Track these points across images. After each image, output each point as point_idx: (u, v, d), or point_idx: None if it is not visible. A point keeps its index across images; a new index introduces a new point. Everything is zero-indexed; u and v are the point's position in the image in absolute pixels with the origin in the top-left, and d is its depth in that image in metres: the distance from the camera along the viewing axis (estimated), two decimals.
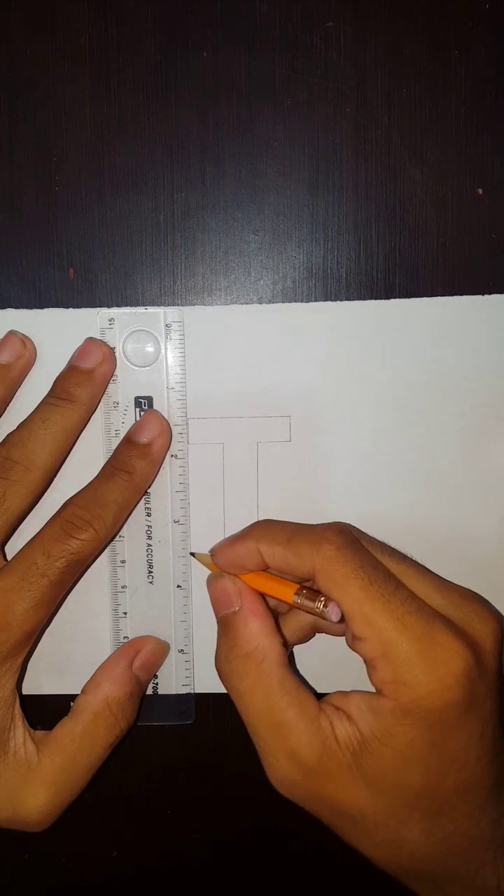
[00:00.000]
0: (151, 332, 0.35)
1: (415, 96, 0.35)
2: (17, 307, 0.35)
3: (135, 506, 0.35)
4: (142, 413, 0.35)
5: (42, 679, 0.37)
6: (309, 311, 0.35)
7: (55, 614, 0.36)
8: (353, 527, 0.32)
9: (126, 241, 0.35)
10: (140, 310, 0.35)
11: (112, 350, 0.35)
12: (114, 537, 0.35)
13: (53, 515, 0.33)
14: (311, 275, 0.35)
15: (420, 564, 0.31)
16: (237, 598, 0.31)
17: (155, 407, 0.35)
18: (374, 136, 0.35)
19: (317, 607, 0.29)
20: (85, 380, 0.34)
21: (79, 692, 0.34)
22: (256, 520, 0.34)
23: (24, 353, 0.35)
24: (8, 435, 0.33)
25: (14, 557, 0.32)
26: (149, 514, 0.36)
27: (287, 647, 0.32)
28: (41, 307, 0.35)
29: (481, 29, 0.34)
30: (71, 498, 0.33)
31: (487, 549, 0.36)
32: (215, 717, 0.37)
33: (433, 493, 0.36)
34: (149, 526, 0.36)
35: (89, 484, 0.33)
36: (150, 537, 0.36)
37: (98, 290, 0.35)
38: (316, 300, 0.35)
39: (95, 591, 0.36)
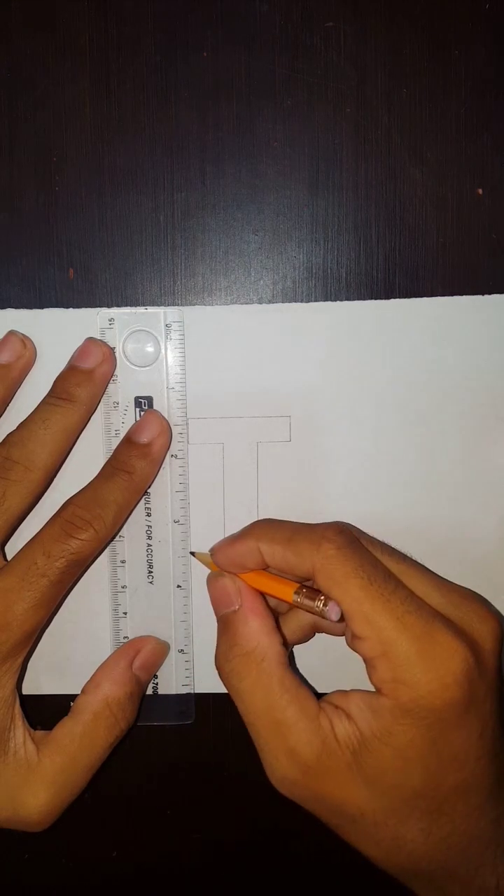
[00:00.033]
0: (151, 332, 0.35)
1: (415, 96, 0.35)
2: (17, 307, 0.35)
3: (135, 506, 0.35)
4: (142, 413, 0.35)
5: (42, 679, 0.37)
6: (309, 311, 0.35)
7: (55, 614, 0.36)
8: (353, 526, 0.32)
9: (126, 241, 0.35)
10: (140, 310, 0.35)
11: (112, 350, 0.35)
12: (114, 537, 0.35)
13: (53, 515, 0.33)
14: (311, 275, 0.36)
15: (420, 564, 0.31)
16: (237, 597, 0.31)
17: (155, 407, 0.35)
18: (374, 136, 0.35)
19: (316, 606, 0.30)
20: (85, 380, 0.34)
21: (79, 692, 0.34)
22: (256, 520, 0.34)
23: (24, 353, 0.35)
24: (8, 435, 0.34)
25: (14, 557, 0.32)
26: (149, 514, 0.36)
27: (287, 647, 0.32)
28: (41, 307, 0.35)
29: (481, 29, 0.35)
30: (71, 498, 0.33)
31: (487, 549, 0.36)
32: (215, 717, 0.38)
33: (433, 493, 0.36)
34: (149, 526, 0.36)
35: (89, 484, 0.34)
36: (150, 537, 0.36)
37: (98, 290, 0.36)
38: (316, 300, 0.36)
39: (95, 591, 0.36)
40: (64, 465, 0.35)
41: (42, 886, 0.39)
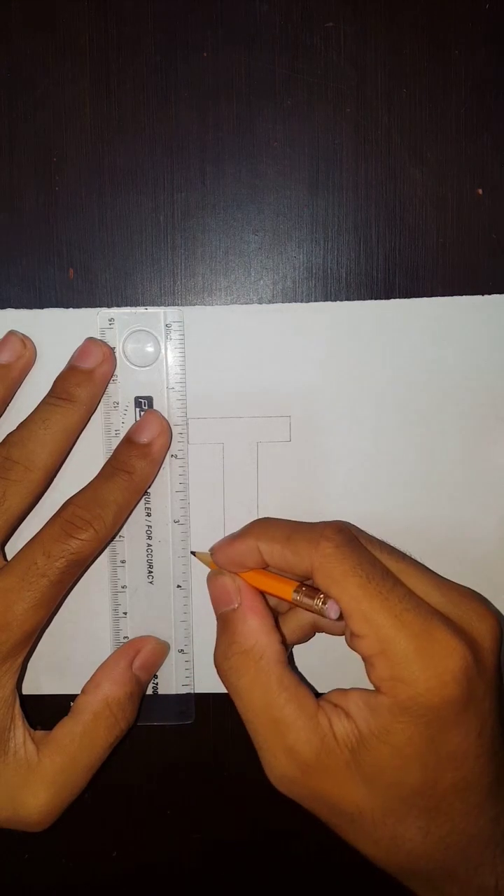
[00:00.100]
0: (151, 332, 0.35)
1: (415, 96, 0.35)
2: (17, 307, 0.36)
3: (135, 506, 0.35)
4: (142, 413, 0.35)
5: (42, 679, 0.37)
6: (309, 311, 0.36)
7: (55, 614, 0.36)
8: (353, 525, 0.32)
9: (126, 241, 0.36)
10: (140, 310, 0.36)
11: (112, 350, 0.35)
12: (114, 537, 0.36)
13: (53, 515, 0.33)
14: (311, 275, 0.36)
15: (419, 563, 0.31)
16: (236, 596, 0.32)
17: (155, 407, 0.36)
18: (374, 136, 0.35)
19: (316, 604, 0.30)
20: (85, 380, 0.34)
21: (79, 692, 0.34)
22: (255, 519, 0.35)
23: (24, 353, 0.35)
24: (8, 435, 0.34)
25: (14, 557, 0.33)
26: (149, 514, 0.36)
27: (287, 647, 0.33)
28: (41, 307, 0.36)
29: (481, 29, 0.35)
30: (71, 498, 0.33)
31: (487, 549, 0.37)
32: (215, 717, 0.38)
33: (433, 493, 0.36)
34: (149, 526, 0.36)
35: (89, 484, 0.34)
36: (150, 537, 0.36)
37: (98, 290, 0.36)
38: (316, 300, 0.36)
39: (95, 591, 0.37)
40: (64, 465, 0.35)
41: (42, 886, 0.40)
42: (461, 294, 0.36)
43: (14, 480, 0.33)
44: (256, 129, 0.35)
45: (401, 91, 0.35)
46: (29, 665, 0.37)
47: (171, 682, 0.37)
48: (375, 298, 0.36)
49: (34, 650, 0.36)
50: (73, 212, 0.36)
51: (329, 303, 0.36)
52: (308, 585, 0.31)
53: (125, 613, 0.37)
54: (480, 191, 0.36)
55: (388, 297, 0.36)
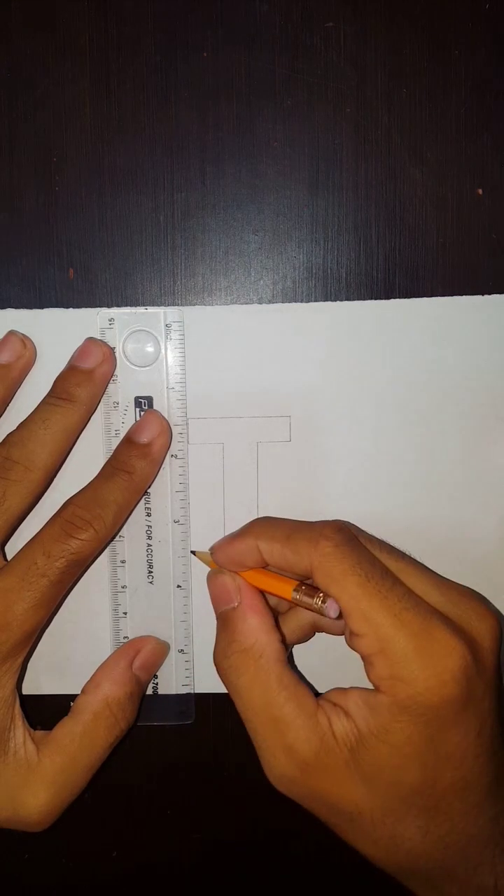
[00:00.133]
0: (151, 332, 0.36)
1: (415, 96, 0.35)
2: (17, 307, 0.36)
3: (135, 506, 0.35)
4: (142, 413, 0.36)
5: (42, 679, 0.37)
6: (309, 311, 0.36)
7: (55, 614, 0.36)
8: (352, 524, 0.33)
9: (126, 241, 0.36)
10: (140, 310, 0.36)
11: (112, 350, 0.35)
12: (114, 537, 0.36)
13: (53, 515, 0.33)
14: (311, 275, 0.36)
15: (418, 562, 0.32)
16: (236, 595, 0.32)
17: (155, 407, 0.36)
18: (374, 136, 0.36)
19: (315, 603, 0.30)
20: (85, 380, 0.34)
21: (79, 692, 0.35)
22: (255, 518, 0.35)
23: (24, 353, 0.35)
24: (8, 435, 0.34)
25: (14, 557, 0.33)
26: (149, 514, 0.36)
27: (287, 646, 0.33)
28: (41, 307, 0.36)
29: (481, 29, 0.35)
30: (71, 498, 0.34)
31: (487, 549, 0.37)
32: (215, 717, 0.38)
33: (433, 493, 0.36)
34: (149, 526, 0.36)
35: (89, 484, 0.34)
36: (150, 537, 0.36)
37: (98, 290, 0.36)
38: (316, 300, 0.36)
39: (95, 591, 0.37)
40: (64, 465, 0.35)
41: (42, 886, 0.40)
42: (461, 294, 0.36)
43: (14, 480, 0.33)
44: (256, 129, 0.36)
45: (401, 91, 0.35)
46: (29, 665, 0.37)
47: (171, 682, 0.37)
48: (375, 298, 0.36)
49: (34, 650, 0.37)
50: (73, 212, 0.36)
51: (329, 303, 0.36)
52: (308, 584, 0.31)
53: (125, 613, 0.37)
54: (480, 191, 0.36)
55: (388, 297, 0.36)
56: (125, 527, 0.36)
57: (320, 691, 0.32)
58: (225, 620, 0.32)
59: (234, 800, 0.39)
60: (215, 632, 0.33)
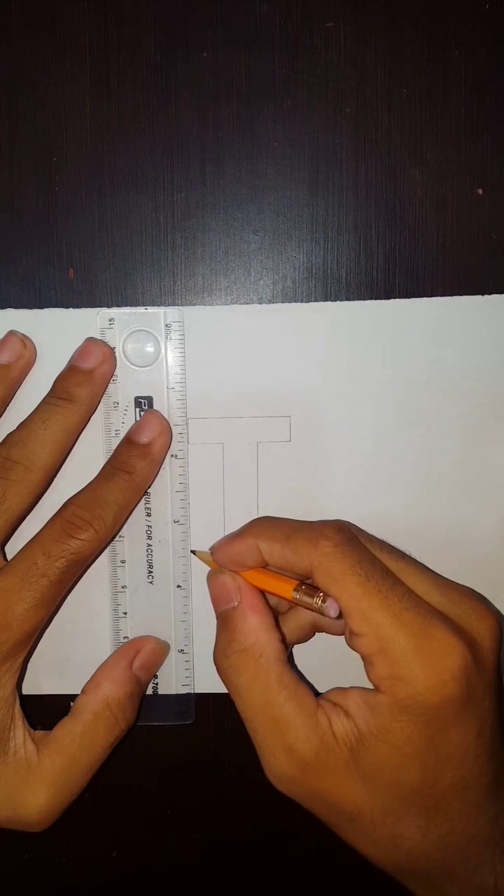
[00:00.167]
0: (151, 332, 0.36)
1: (415, 96, 0.35)
2: (17, 307, 0.36)
3: (135, 506, 0.35)
4: (142, 413, 0.36)
5: (42, 679, 0.37)
6: (309, 311, 0.36)
7: (55, 614, 0.37)
8: (352, 524, 0.33)
9: (126, 241, 0.36)
10: (140, 310, 0.36)
11: (112, 350, 0.35)
12: (114, 537, 0.36)
13: (53, 515, 0.33)
14: (311, 275, 0.36)
15: (418, 562, 0.32)
16: (236, 594, 0.32)
17: (155, 407, 0.36)
18: (374, 136, 0.36)
19: (315, 603, 0.30)
20: (85, 380, 0.35)
21: (79, 692, 0.35)
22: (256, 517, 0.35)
23: (24, 353, 0.35)
24: (8, 435, 0.34)
25: (14, 557, 0.33)
26: (149, 514, 0.36)
27: (287, 646, 0.33)
28: (41, 307, 0.36)
29: (481, 29, 0.35)
30: (71, 498, 0.34)
31: (487, 549, 0.37)
32: (215, 717, 0.38)
33: (433, 493, 0.37)
34: (149, 526, 0.36)
35: (89, 484, 0.34)
36: (150, 537, 0.37)
37: (98, 290, 0.36)
38: (316, 300, 0.36)
39: (95, 591, 0.37)
40: (64, 465, 0.35)
41: (42, 886, 0.40)
42: (461, 294, 0.36)
43: (14, 480, 0.33)
44: (256, 129, 0.36)
45: (401, 91, 0.36)
46: (29, 665, 0.37)
47: (171, 682, 0.38)
48: (375, 298, 0.36)
49: (34, 650, 0.37)
50: (73, 212, 0.36)
51: (329, 303, 0.36)
52: (308, 584, 0.31)
53: (125, 613, 0.37)
54: (480, 191, 0.36)
55: (388, 297, 0.36)
56: (125, 527, 0.36)
57: (320, 691, 0.32)
58: (225, 620, 0.32)
59: (234, 800, 0.39)
60: (215, 631, 0.33)
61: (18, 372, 0.35)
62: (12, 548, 0.34)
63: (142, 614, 0.37)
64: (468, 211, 0.36)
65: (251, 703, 0.30)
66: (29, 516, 0.35)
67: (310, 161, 0.36)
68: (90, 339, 0.35)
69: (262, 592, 0.33)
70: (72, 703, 0.34)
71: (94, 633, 0.37)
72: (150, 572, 0.37)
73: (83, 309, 0.36)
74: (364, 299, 0.36)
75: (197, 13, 0.35)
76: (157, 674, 0.37)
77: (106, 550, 0.37)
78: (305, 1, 0.35)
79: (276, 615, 0.33)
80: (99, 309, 0.36)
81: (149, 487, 0.36)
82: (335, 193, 0.36)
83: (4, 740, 0.33)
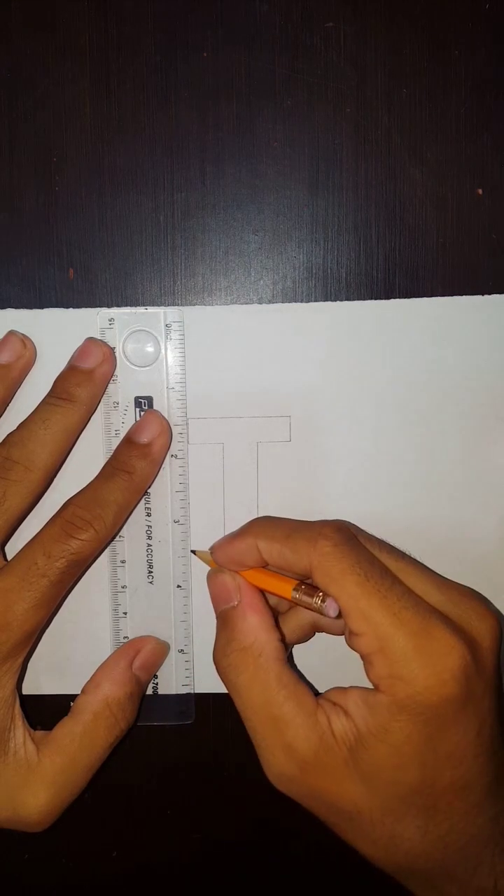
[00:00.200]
0: (151, 332, 0.36)
1: (415, 96, 0.36)
2: (17, 307, 0.36)
3: (135, 506, 0.36)
4: (142, 413, 0.36)
5: (42, 679, 0.38)
6: (309, 311, 0.36)
7: (55, 614, 0.37)
8: (352, 524, 0.33)
9: (126, 241, 0.36)
10: (140, 310, 0.36)
11: (112, 350, 0.35)
12: (114, 537, 0.36)
13: (54, 515, 0.34)
14: (311, 275, 0.36)
15: (418, 562, 0.32)
16: (236, 593, 0.32)
17: (155, 407, 0.36)
18: (374, 136, 0.36)
19: (315, 603, 0.30)
20: (85, 380, 0.35)
21: (79, 692, 0.35)
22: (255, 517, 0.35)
23: (24, 353, 0.35)
24: (8, 435, 0.34)
25: (14, 557, 0.33)
26: (149, 514, 0.36)
27: (287, 646, 0.33)
28: (41, 307, 0.36)
29: (481, 29, 0.35)
30: (71, 498, 0.34)
31: (487, 549, 0.37)
32: (215, 717, 0.38)
33: (433, 493, 0.37)
34: (149, 526, 0.37)
35: (89, 484, 0.34)
36: (150, 537, 0.37)
37: (98, 290, 0.36)
38: (316, 300, 0.36)
39: (95, 591, 0.37)
40: (64, 465, 0.36)
41: (42, 886, 0.40)
42: (461, 294, 0.36)
43: (14, 480, 0.33)
44: (256, 129, 0.36)
45: (401, 91, 0.36)
46: (29, 665, 0.37)
47: (171, 682, 0.38)
48: (375, 298, 0.36)
49: (34, 650, 0.37)
50: (73, 212, 0.36)
51: (329, 303, 0.36)
52: (307, 584, 0.31)
53: (125, 613, 0.37)
54: (480, 191, 0.36)
55: (388, 297, 0.36)
56: (125, 527, 0.36)
57: (320, 691, 0.32)
58: (224, 619, 0.32)
59: (234, 800, 0.39)
60: (215, 631, 0.33)
61: (18, 372, 0.35)
62: (12, 548, 0.34)
63: (142, 614, 0.37)
64: (468, 211, 0.36)
65: (250, 702, 0.31)
66: (29, 516, 0.35)
67: (310, 161, 0.36)
68: (90, 339, 0.35)
69: (262, 592, 0.33)
70: (72, 703, 0.34)
71: (94, 633, 0.37)
72: (150, 572, 0.37)
73: (83, 309, 0.36)
74: (364, 299, 0.36)
75: (197, 13, 0.36)
76: (157, 674, 0.37)
77: (106, 550, 0.37)
78: (305, 1, 0.35)
79: (276, 615, 0.34)
80: (99, 309, 0.36)
81: (149, 487, 0.36)
82: (335, 193, 0.36)
83: (4, 740, 0.33)
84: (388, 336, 0.36)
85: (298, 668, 0.37)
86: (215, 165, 0.36)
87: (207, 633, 0.35)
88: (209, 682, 0.38)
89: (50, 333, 0.36)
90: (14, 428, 0.34)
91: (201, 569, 0.36)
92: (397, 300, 0.36)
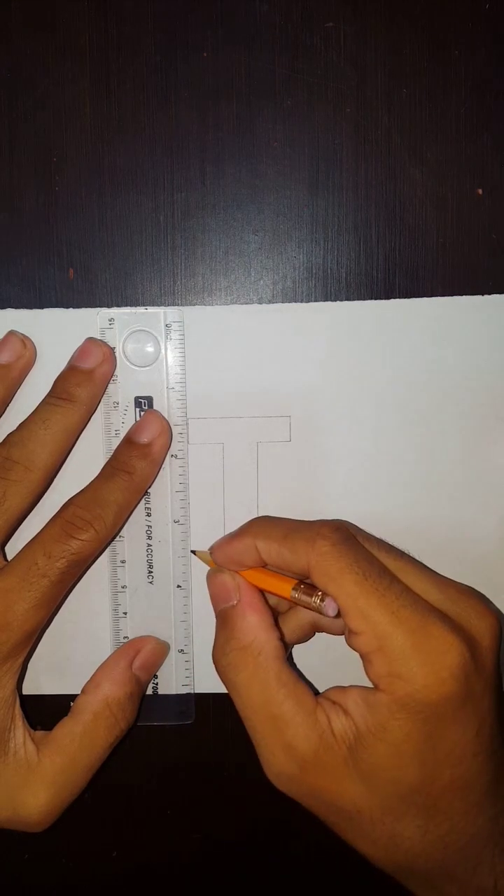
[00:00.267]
0: (151, 332, 0.36)
1: (415, 96, 0.36)
2: (17, 307, 0.36)
3: (135, 506, 0.36)
4: (142, 413, 0.36)
5: (42, 679, 0.38)
6: (309, 311, 0.36)
7: (55, 614, 0.37)
8: (350, 524, 0.33)
9: (126, 241, 0.36)
10: (140, 310, 0.36)
11: (112, 350, 0.36)
12: (114, 537, 0.36)
13: (54, 516, 0.34)
14: (311, 275, 0.36)
15: (417, 561, 0.32)
16: (235, 593, 0.32)
17: (155, 407, 0.36)
18: (374, 136, 0.36)
19: (314, 602, 0.30)
20: (85, 380, 0.35)
21: (79, 692, 0.35)
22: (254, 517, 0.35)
23: (24, 353, 0.36)
24: (8, 435, 0.34)
25: (15, 558, 0.33)
26: (149, 514, 0.37)
27: (287, 646, 0.33)
28: (41, 307, 0.36)
29: (481, 29, 0.36)
30: (71, 498, 0.34)
31: (487, 548, 0.37)
32: (215, 717, 0.39)
33: (433, 493, 0.37)
34: (149, 526, 0.37)
35: (90, 484, 0.35)
36: (150, 537, 0.37)
37: (98, 290, 0.37)
38: (316, 300, 0.36)
39: (95, 591, 0.37)
40: (64, 465, 0.36)
41: (42, 886, 0.40)
42: (461, 294, 0.36)
43: (14, 480, 0.33)
44: (256, 129, 0.36)
45: (401, 91, 0.36)
46: (29, 665, 0.37)
47: (171, 682, 0.38)
48: (375, 298, 0.36)
49: (34, 650, 0.37)
50: (73, 212, 0.36)
51: (329, 303, 0.36)
52: (307, 583, 0.31)
53: (125, 613, 0.37)
54: (480, 191, 0.36)
55: (388, 297, 0.36)
56: (125, 527, 0.37)
57: (320, 691, 0.32)
58: (224, 618, 0.32)
59: (234, 800, 0.39)
60: (215, 631, 0.33)
61: (18, 372, 0.36)
62: (12, 548, 0.34)
63: (142, 614, 0.37)
64: (468, 211, 0.36)
65: (250, 702, 0.31)
66: (29, 516, 0.36)
67: (310, 161, 0.36)
68: (90, 339, 0.36)
69: (262, 592, 0.33)
70: (72, 703, 0.35)
71: (94, 633, 0.38)
72: (150, 572, 0.37)
73: (83, 309, 0.36)
74: (364, 299, 0.36)
75: (197, 13, 0.36)
76: (157, 674, 0.38)
77: (106, 550, 0.37)
78: (305, 1, 0.36)
79: (275, 615, 0.34)
80: (99, 309, 0.36)
81: (149, 487, 0.36)
82: (335, 193, 0.36)
83: (4, 740, 0.33)
84: (388, 336, 0.36)
85: (298, 667, 0.38)
86: (215, 165, 0.36)
87: (207, 633, 0.35)
88: (209, 682, 0.38)
89: (50, 333, 0.36)
90: (14, 428, 0.35)
91: (201, 569, 0.36)
92: (397, 300, 0.36)
